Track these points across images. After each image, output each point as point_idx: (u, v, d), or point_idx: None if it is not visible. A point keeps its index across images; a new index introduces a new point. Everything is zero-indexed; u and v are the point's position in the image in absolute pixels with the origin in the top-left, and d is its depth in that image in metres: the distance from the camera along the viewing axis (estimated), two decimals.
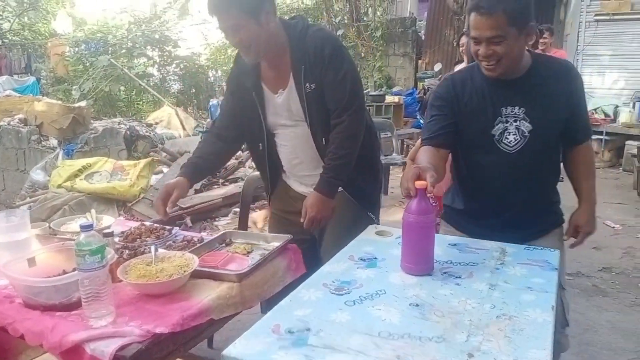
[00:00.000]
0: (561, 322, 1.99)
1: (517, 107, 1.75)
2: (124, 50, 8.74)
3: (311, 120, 1.96)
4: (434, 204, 1.59)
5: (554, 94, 1.76)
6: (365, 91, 7.83)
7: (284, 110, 2.00)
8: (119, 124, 6.23)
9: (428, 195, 1.47)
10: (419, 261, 1.54)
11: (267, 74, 2.00)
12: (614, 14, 7.90)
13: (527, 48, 1.77)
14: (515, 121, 1.75)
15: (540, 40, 6.08)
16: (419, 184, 1.45)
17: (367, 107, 2.24)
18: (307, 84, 1.89)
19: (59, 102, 6.47)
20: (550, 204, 1.96)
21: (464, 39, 4.52)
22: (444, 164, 1.87)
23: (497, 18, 1.58)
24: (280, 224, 2.25)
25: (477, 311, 1.33)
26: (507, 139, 1.77)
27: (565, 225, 1.98)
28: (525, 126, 1.75)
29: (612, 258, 3.93)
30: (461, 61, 4.49)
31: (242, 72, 2.03)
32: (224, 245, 1.99)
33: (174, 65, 9.55)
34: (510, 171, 1.80)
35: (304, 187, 2.14)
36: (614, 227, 4.62)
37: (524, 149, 1.76)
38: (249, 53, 1.88)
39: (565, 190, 1.97)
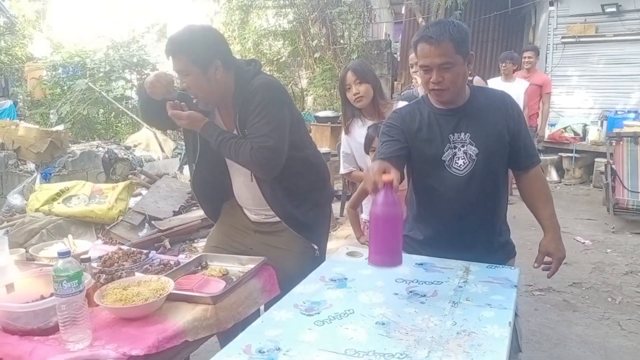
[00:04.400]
0: (514, 347, 2.08)
1: (462, 133, 1.87)
2: (101, 74, 8.75)
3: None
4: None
5: (493, 121, 1.89)
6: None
7: None
8: (97, 147, 6.24)
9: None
10: (388, 252, 1.52)
11: (217, 119, 2.12)
12: (579, 37, 8.21)
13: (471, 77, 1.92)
14: (463, 146, 1.87)
15: (525, 60, 6.31)
16: (386, 177, 1.47)
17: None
18: (244, 131, 1.97)
19: (37, 126, 6.45)
20: (500, 233, 2.05)
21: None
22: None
23: (445, 46, 1.72)
24: (223, 234, 2.35)
25: (439, 328, 1.41)
26: (457, 163, 1.87)
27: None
28: (472, 150, 1.86)
29: (582, 273, 4.04)
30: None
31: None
32: (200, 268, 2.04)
33: None
34: (462, 195, 1.89)
35: (252, 215, 2.28)
36: (584, 243, 4.76)
37: (473, 172, 1.87)
38: (197, 97, 1.98)
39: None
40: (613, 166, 5.48)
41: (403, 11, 12.09)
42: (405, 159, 1.91)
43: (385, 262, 1.52)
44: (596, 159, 7.17)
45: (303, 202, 2.16)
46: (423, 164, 1.93)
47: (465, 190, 1.88)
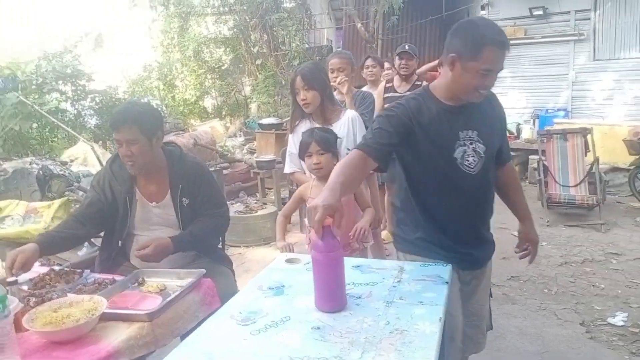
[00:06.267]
0: (488, 325, 2.22)
1: (470, 130, 1.87)
2: (34, 87, 8.38)
3: (183, 227, 2.37)
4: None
5: (493, 118, 1.96)
6: (286, 119, 7.98)
7: (158, 218, 2.39)
8: (30, 163, 5.96)
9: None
10: (332, 298, 1.57)
11: (143, 185, 2.39)
12: (510, 39, 8.54)
13: None
14: (472, 143, 1.87)
15: None
16: (327, 221, 1.48)
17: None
18: (184, 199, 2.35)
19: None
20: (490, 227, 2.11)
21: (369, 62, 4.71)
22: (362, 177, 1.96)
23: (505, 52, 1.75)
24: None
25: (373, 328, 1.44)
26: (468, 160, 1.86)
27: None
28: (480, 147, 1.88)
29: (519, 267, 4.18)
30: (363, 85, 4.63)
31: (116, 177, 2.38)
32: (136, 284, 2.00)
33: (89, 99, 9.27)
34: (473, 191, 1.90)
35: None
36: None
37: (482, 169, 1.89)
38: (134, 165, 2.27)
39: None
40: (545, 162, 5.75)
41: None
42: (389, 155, 1.86)
43: (332, 308, 1.56)
44: (530, 157, 7.47)
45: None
46: (432, 160, 1.87)
47: (476, 187, 1.90)
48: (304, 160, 2.57)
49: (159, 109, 10.87)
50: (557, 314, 3.36)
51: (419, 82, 4.42)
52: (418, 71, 6.78)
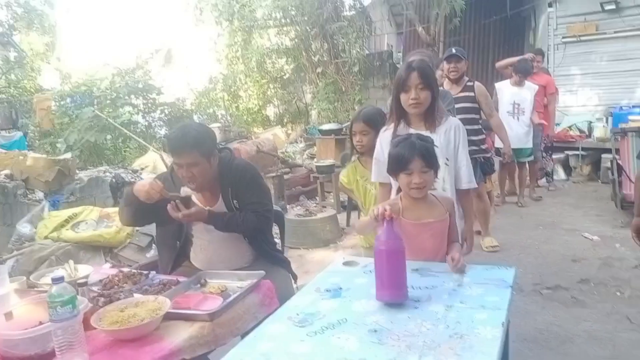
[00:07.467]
0: None
1: None
2: (108, 101, 8.87)
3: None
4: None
5: None
6: (346, 124, 8.00)
7: None
8: (104, 172, 6.30)
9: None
10: (394, 287, 1.60)
11: (202, 194, 2.44)
12: (580, 36, 8.19)
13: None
14: None
15: (535, 64, 6.37)
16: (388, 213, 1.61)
17: None
18: (235, 202, 2.40)
19: (44, 155, 6.53)
20: None
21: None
22: None
23: None
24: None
25: (432, 332, 1.40)
26: None
27: None
28: None
29: (590, 269, 3.98)
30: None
31: (175, 183, 2.42)
32: (199, 286, 2.05)
33: (158, 112, 9.71)
34: None
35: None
36: (592, 239, 4.70)
37: None
38: (196, 186, 2.32)
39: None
40: (619, 161, 5.43)
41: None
42: None
43: (392, 298, 1.61)
44: (603, 155, 7.09)
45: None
46: None
47: None
48: (394, 176, 2.10)
49: (224, 119, 11.23)
50: (630, 318, 3.15)
51: (470, 83, 4.30)
52: (497, 65, 6.61)
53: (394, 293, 1.60)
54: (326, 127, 8.12)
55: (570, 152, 7.61)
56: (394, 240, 1.60)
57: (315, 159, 7.94)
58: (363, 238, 2.88)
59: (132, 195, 2.25)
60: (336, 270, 1.96)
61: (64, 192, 5.47)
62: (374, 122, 2.70)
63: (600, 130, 7.39)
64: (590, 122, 7.86)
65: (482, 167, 4.45)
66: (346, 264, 2.02)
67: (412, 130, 2.28)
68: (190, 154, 2.23)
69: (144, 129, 9.52)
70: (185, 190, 2.36)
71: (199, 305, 1.83)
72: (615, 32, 8.06)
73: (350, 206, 5.63)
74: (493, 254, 4.43)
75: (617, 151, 5.55)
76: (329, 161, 6.71)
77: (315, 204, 6.34)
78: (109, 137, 8.80)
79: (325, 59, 10.73)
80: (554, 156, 7.43)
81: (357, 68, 10.00)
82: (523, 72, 5.85)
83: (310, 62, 10.94)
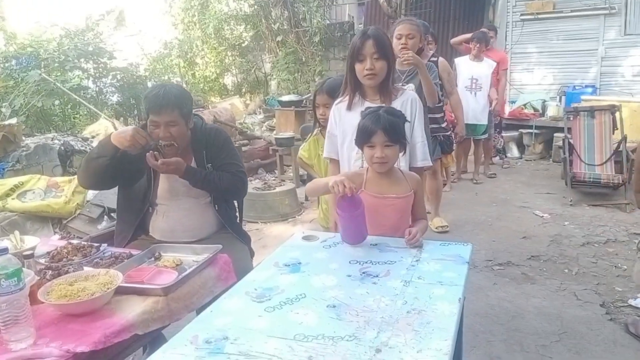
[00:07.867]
0: None
1: None
2: (56, 64, 8.43)
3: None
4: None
5: None
6: (307, 96, 7.91)
7: (185, 187, 2.37)
8: (52, 139, 6.02)
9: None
10: (356, 238, 1.91)
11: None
12: (538, 14, 8.30)
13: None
14: None
15: (492, 40, 6.44)
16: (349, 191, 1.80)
17: None
18: (208, 165, 2.40)
19: None
20: None
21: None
22: None
23: None
24: None
25: (390, 308, 1.41)
26: None
27: None
28: None
29: (540, 246, 4.12)
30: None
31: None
32: (153, 259, 1.99)
33: (110, 77, 9.31)
34: None
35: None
36: (542, 217, 4.86)
37: None
38: (173, 144, 2.28)
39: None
40: (570, 140, 5.60)
41: None
42: None
43: (354, 243, 1.91)
44: (555, 134, 7.30)
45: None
46: None
47: None
48: (360, 148, 2.06)
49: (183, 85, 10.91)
50: (577, 295, 3.29)
51: (434, 59, 4.25)
52: (452, 41, 6.62)
53: (356, 241, 1.90)
54: (286, 98, 8.01)
55: (524, 130, 7.79)
56: (356, 208, 1.83)
57: (274, 131, 7.85)
58: (322, 218, 2.87)
59: (110, 144, 2.18)
60: (295, 245, 1.93)
61: (9, 160, 5.22)
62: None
63: (554, 109, 7.58)
64: (545, 101, 8.04)
65: (442, 146, 4.49)
66: (305, 238, 1.99)
67: (367, 103, 2.23)
68: (171, 112, 2.23)
69: (94, 95, 9.13)
70: (40, 250, 2.04)
71: (153, 279, 1.77)
72: (571, 11, 8.19)
73: (309, 181, 5.60)
74: (448, 230, 4.51)
75: (569, 130, 5.72)
76: (288, 134, 6.64)
77: (274, 178, 6.28)
78: (57, 102, 8.41)
79: (285, 27, 10.55)
80: (508, 134, 7.59)
81: (318, 38, 9.88)
82: (483, 41, 5.89)
83: (270, 30, 10.73)
